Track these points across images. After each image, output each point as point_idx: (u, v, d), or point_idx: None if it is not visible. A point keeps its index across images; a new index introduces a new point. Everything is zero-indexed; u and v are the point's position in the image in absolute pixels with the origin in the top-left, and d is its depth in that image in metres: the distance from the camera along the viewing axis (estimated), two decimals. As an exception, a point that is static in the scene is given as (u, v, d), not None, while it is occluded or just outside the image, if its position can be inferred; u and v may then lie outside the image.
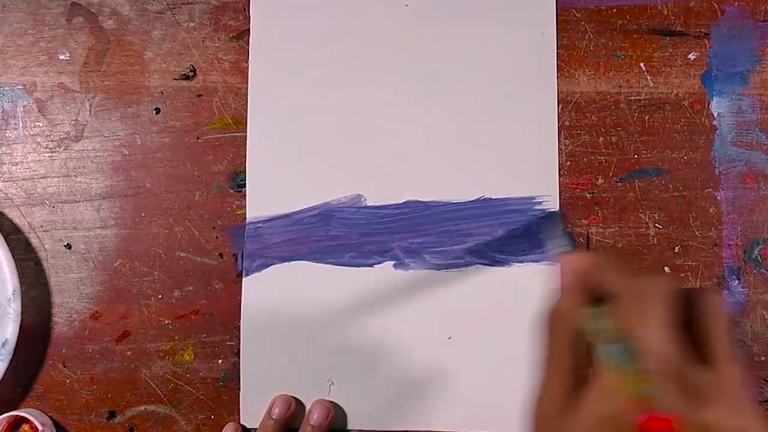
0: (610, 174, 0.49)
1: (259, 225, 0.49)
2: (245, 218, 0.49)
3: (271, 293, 0.48)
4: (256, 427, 0.47)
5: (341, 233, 0.49)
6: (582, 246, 0.48)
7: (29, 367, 0.48)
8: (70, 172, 0.50)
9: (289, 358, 0.48)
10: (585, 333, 0.30)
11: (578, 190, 0.49)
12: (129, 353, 0.48)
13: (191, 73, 0.50)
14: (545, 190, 0.48)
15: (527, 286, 0.48)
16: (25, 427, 0.47)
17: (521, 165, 0.49)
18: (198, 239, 0.49)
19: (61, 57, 0.50)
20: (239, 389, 0.48)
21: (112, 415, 0.48)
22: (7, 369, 0.46)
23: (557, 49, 0.49)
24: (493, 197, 0.48)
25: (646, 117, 0.49)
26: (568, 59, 0.49)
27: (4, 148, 0.50)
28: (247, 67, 0.50)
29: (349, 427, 0.48)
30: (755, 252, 0.48)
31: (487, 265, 0.48)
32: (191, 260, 0.49)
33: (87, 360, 0.48)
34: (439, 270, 0.48)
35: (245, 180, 0.49)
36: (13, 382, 0.48)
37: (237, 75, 0.50)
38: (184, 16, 0.50)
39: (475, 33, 0.50)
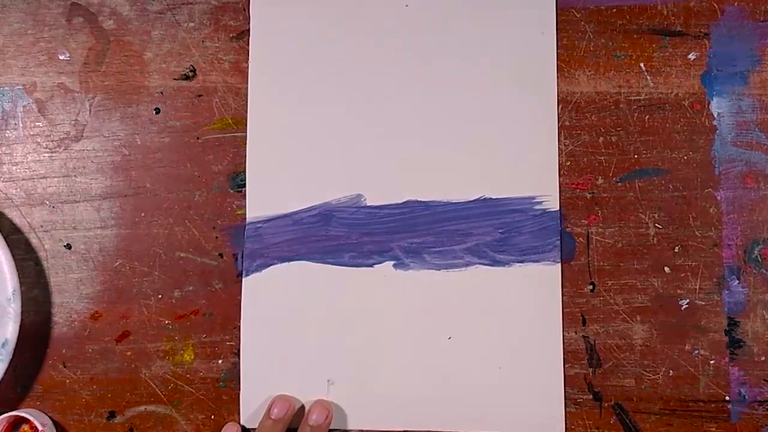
0: (610, 174, 0.49)
1: (259, 225, 0.49)
2: (245, 218, 0.49)
3: (271, 293, 0.48)
4: (256, 427, 0.47)
5: (341, 233, 0.49)
6: (582, 246, 0.48)
7: (29, 367, 0.48)
8: (70, 172, 0.50)
9: (289, 358, 0.48)
10: None
11: (578, 190, 0.49)
12: (129, 353, 0.48)
13: (191, 73, 0.50)
14: (545, 190, 0.48)
15: (527, 286, 0.48)
16: (25, 427, 0.47)
17: (521, 165, 0.49)
18: (198, 239, 0.49)
19: (61, 57, 0.50)
20: (239, 389, 0.48)
21: (112, 415, 0.48)
22: (7, 369, 0.46)
23: (557, 49, 0.49)
24: (493, 197, 0.48)
25: (646, 117, 0.49)
26: (568, 59, 0.49)
27: (4, 148, 0.50)
28: (247, 67, 0.50)
29: (349, 427, 0.48)
30: (755, 252, 0.48)
31: (487, 265, 0.48)
32: (191, 260, 0.49)
33: (87, 360, 0.48)
34: (439, 270, 0.48)
35: (245, 180, 0.49)
36: (13, 382, 0.48)
37: (237, 75, 0.50)
38: (184, 16, 0.50)
39: (475, 33, 0.50)
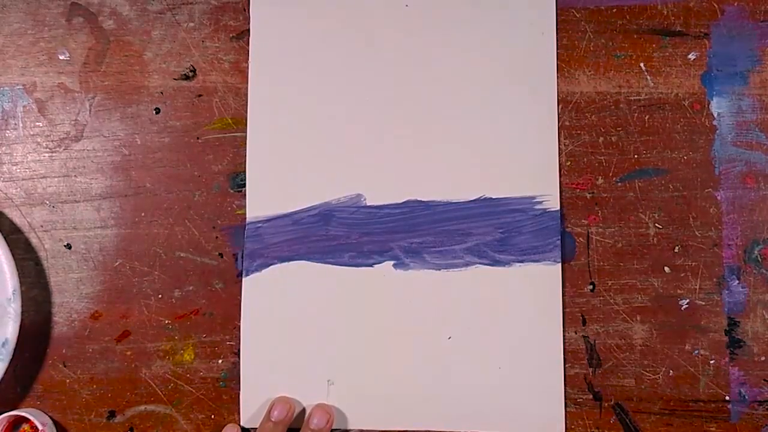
0: (610, 174, 0.49)
1: (259, 225, 0.49)
2: (245, 218, 0.49)
3: (271, 293, 0.48)
4: (256, 427, 0.47)
5: (341, 233, 0.49)
6: (582, 246, 0.48)
7: (29, 367, 0.48)
8: (70, 172, 0.50)
9: (289, 358, 0.48)
10: None
11: (578, 190, 0.49)
12: (129, 353, 0.48)
13: (191, 73, 0.50)
14: (545, 190, 0.48)
15: (527, 286, 0.48)
16: (25, 426, 0.47)
17: (521, 165, 0.49)
18: (198, 239, 0.49)
19: (61, 57, 0.50)
20: (239, 389, 0.48)
21: (112, 414, 0.48)
22: (7, 369, 0.46)
23: (557, 49, 0.49)
24: (493, 197, 0.48)
25: (646, 117, 0.49)
26: (568, 59, 0.49)
27: (4, 148, 0.50)
28: (247, 67, 0.50)
29: (349, 427, 0.48)
30: (755, 252, 0.48)
31: (487, 265, 0.48)
32: (191, 260, 0.49)
33: (87, 360, 0.48)
34: (439, 270, 0.48)
35: (245, 180, 0.49)
36: (13, 382, 0.48)
37: (237, 75, 0.50)
38: (184, 16, 0.50)
39: (475, 33, 0.50)
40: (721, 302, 0.48)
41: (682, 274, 0.48)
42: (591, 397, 0.47)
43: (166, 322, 0.49)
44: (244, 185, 0.49)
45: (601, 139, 0.49)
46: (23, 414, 0.46)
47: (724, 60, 0.49)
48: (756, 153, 0.49)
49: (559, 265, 0.48)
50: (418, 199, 0.49)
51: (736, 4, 0.49)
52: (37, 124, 0.50)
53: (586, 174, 0.49)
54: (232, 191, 0.49)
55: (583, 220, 0.49)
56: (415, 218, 0.49)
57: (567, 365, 0.48)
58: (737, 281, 0.48)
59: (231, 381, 0.48)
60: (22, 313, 0.46)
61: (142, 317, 0.49)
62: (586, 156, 0.49)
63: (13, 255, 0.47)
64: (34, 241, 0.49)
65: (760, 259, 0.48)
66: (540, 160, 0.49)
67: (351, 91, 0.49)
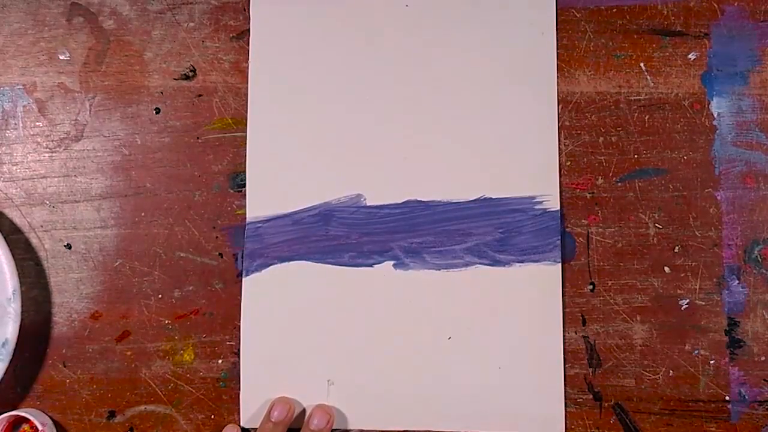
0: (610, 174, 0.49)
1: (259, 225, 0.49)
2: (245, 218, 0.49)
3: (271, 293, 0.48)
4: (256, 427, 0.47)
5: (341, 233, 0.49)
6: (582, 246, 0.48)
7: (29, 367, 0.48)
8: (70, 172, 0.50)
9: (289, 358, 0.48)
10: None
11: (578, 190, 0.49)
12: (129, 353, 0.48)
13: (191, 73, 0.50)
14: (545, 190, 0.48)
15: (527, 286, 0.48)
16: (25, 426, 0.47)
17: (521, 165, 0.49)
18: (198, 239, 0.49)
19: (61, 57, 0.50)
20: (239, 389, 0.48)
21: (112, 415, 0.48)
22: (7, 369, 0.46)
23: (557, 49, 0.49)
24: (493, 197, 0.48)
25: (646, 117, 0.49)
26: (568, 59, 0.49)
27: (4, 148, 0.50)
28: (247, 67, 0.50)
29: (349, 427, 0.48)
30: (755, 252, 0.48)
31: (487, 265, 0.48)
32: (191, 260, 0.49)
33: (87, 360, 0.48)
34: (439, 270, 0.48)
35: (245, 180, 0.49)
36: (13, 382, 0.48)
37: (237, 75, 0.50)
38: (184, 16, 0.50)
39: (475, 33, 0.50)
40: (721, 302, 0.48)
41: (682, 274, 0.48)
42: (591, 397, 0.47)
43: (166, 322, 0.49)
44: (244, 185, 0.49)
45: (601, 139, 0.49)
46: (23, 414, 0.46)
47: (724, 60, 0.49)
48: (756, 153, 0.49)
49: (559, 265, 0.48)
50: (418, 199, 0.49)
51: (736, 4, 0.49)
52: (37, 124, 0.50)
53: (586, 174, 0.49)
54: (232, 191, 0.49)
55: (583, 220, 0.49)
56: (415, 218, 0.48)
57: (567, 365, 0.48)
58: (737, 281, 0.48)
59: (231, 381, 0.48)
60: (22, 313, 0.46)
61: (142, 317, 0.49)
62: (586, 156, 0.49)
63: (13, 255, 0.47)
64: (34, 241, 0.49)
65: (760, 259, 0.48)
66: (540, 160, 0.49)
67: (351, 91, 0.49)
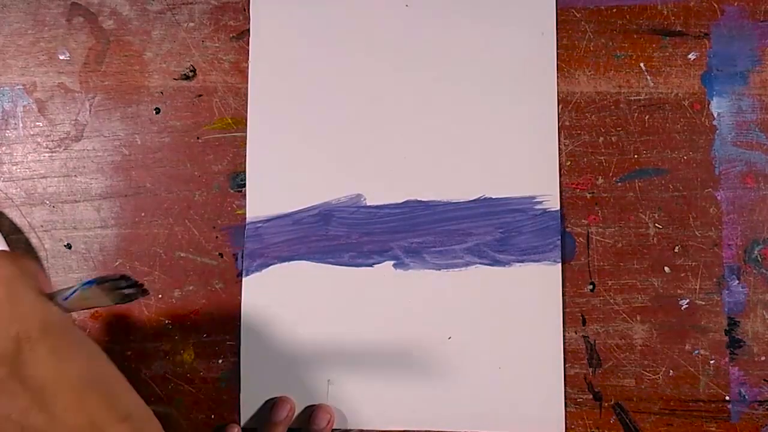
0: (610, 174, 0.49)
1: (259, 225, 0.49)
2: (245, 218, 0.49)
3: (271, 293, 0.48)
4: (256, 427, 0.47)
5: (341, 233, 0.49)
6: (582, 246, 0.48)
7: (29, 367, 0.48)
8: (70, 172, 0.50)
9: (288, 358, 0.48)
10: None
11: (578, 190, 0.49)
12: (129, 353, 0.48)
13: (191, 73, 0.50)
14: (545, 190, 0.48)
15: (527, 286, 0.48)
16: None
17: (521, 165, 0.49)
18: (198, 239, 0.49)
19: (61, 57, 0.50)
20: (239, 389, 0.48)
21: (112, 415, 0.48)
22: (7, 369, 0.46)
23: (557, 49, 0.49)
24: (493, 197, 0.48)
25: (646, 117, 0.49)
26: (568, 59, 0.49)
27: (4, 148, 0.50)
28: (247, 67, 0.50)
29: (349, 427, 0.48)
30: (755, 252, 0.48)
31: (487, 265, 0.48)
32: (191, 260, 0.49)
33: (87, 360, 0.48)
34: (439, 270, 0.48)
35: (245, 180, 0.49)
36: (13, 382, 0.48)
37: (237, 75, 0.50)
38: (184, 16, 0.50)
39: (475, 33, 0.50)
40: (721, 302, 0.48)
41: (682, 274, 0.48)
42: (591, 397, 0.47)
43: (166, 322, 0.49)
44: (244, 185, 0.49)
45: (601, 139, 0.49)
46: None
47: (724, 60, 0.49)
48: (756, 153, 0.49)
49: (559, 265, 0.48)
50: (418, 199, 0.49)
51: (736, 4, 0.49)
52: (37, 124, 0.50)
53: (586, 174, 0.49)
54: (232, 191, 0.49)
55: (583, 220, 0.49)
56: (415, 218, 0.48)
57: (567, 365, 0.48)
58: (737, 281, 0.48)
59: (231, 381, 0.48)
60: (22, 313, 0.46)
61: (142, 317, 0.49)
62: (586, 156, 0.49)
63: (13, 255, 0.47)
64: (34, 241, 0.49)
65: (760, 259, 0.48)
66: (540, 160, 0.49)
67: (351, 91, 0.49)
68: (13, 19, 0.50)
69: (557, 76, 0.49)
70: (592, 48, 0.49)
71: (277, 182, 0.49)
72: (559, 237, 0.48)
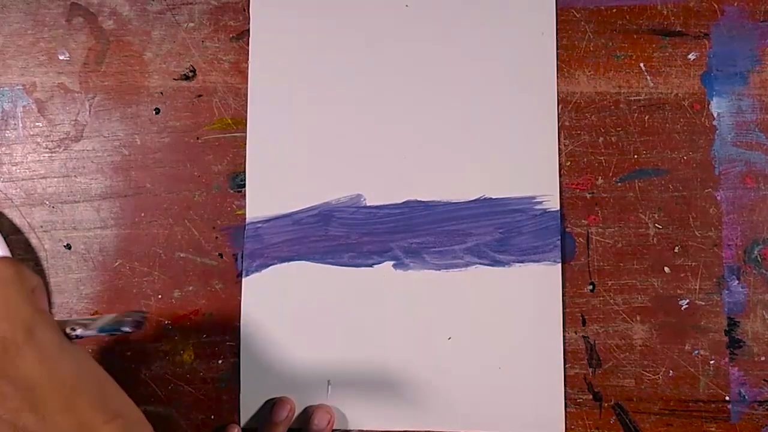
0: (610, 174, 0.49)
1: (259, 225, 0.49)
2: (245, 218, 0.49)
3: (270, 293, 0.48)
4: (256, 427, 0.47)
5: (341, 233, 0.49)
6: (582, 246, 0.48)
7: (29, 368, 0.48)
8: (70, 172, 0.50)
9: (289, 358, 0.48)
10: None
11: (578, 190, 0.49)
12: (129, 353, 0.48)
13: (191, 74, 0.50)
14: (545, 190, 0.48)
15: (527, 286, 0.48)
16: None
17: (521, 165, 0.49)
18: (198, 239, 0.49)
19: (61, 57, 0.50)
20: (239, 389, 0.48)
21: (112, 415, 0.48)
22: (7, 369, 0.46)
23: (557, 49, 0.49)
24: (493, 197, 0.48)
25: (646, 117, 0.49)
26: (568, 59, 0.49)
27: (4, 148, 0.50)
28: (247, 67, 0.50)
29: (349, 427, 0.48)
30: (755, 252, 0.48)
31: (487, 265, 0.48)
32: (191, 260, 0.49)
33: (87, 360, 0.48)
34: (439, 270, 0.48)
35: (245, 180, 0.49)
36: (13, 383, 0.48)
37: (237, 75, 0.50)
38: (184, 16, 0.50)
39: (475, 33, 0.50)
40: (721, 302, 0.48)
41: (682, 274, 0.48)
42: (591, 397, 0.47)
43: (166, 322, 0.49)
44: (244, 185, 0.49)
45: (601, 139, 0.49)
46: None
47: (724, 60, 0.49)
48: (756, 153, 0.49)
49: (559, 265, 0.48)
50: (418, 199, 0.49)
51: (736, 4, 0.49)
52: (37, 124, 0.50)
53: (586, 174, 0.49)
54: (232, 191, 0.49)
55: (583, 220, 0.49)
56: (415, 218, 0.49)
57: (567, 365, 0.48)
58: (737, 281, 0.48)
59: (231, 381, 0.48)
60: (22, 313, 0.46)
61: (142, 317, 0.49)
62: (586, 156, 0.49)
63: (13, 255, 0.47)
64: (34, 241, 0.49)
65: (760, 259, 0.48)
66: (540, 160, 0.49)
67: (351, 91, 0.49)
68: (13, 19, 0.50)
69: (557, 76, 0.49)
70: (592, 48, 0.50)
71: (277, 182, 0.49)
72: (559, 237, 0.48)
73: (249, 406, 0.48)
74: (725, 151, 0.49)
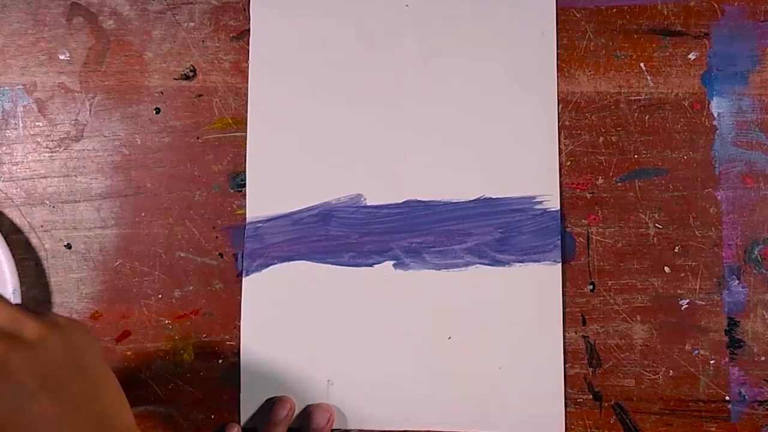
0: (610, 174, 0.49)
1: (259, 225, 0.49)
2: (245, 218, 0.49)
3: (271, 293, 0.48)
4: (256, 427, 0.47)
5: (341, 233, 0.49)
6: (582, 246, 0.48)
7: (29, 367, 0.48)
8: (70, 172, 0.50)
9: (288, 358, 0.48)
10: None
11: (578, 190, 0.49)
12: (129, 353, 0.48)
13: (191, 73, 0.50)
14: (545, 190, 0.48)
15: (527, 286, 0.48)
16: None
17: (521, 165, 0.49)
18: (198, 239, 0.49)
19: (61, 57, 0.50)
20: (239, 389, 0.48)
21: (112, 415, 0.48)
22: (7, 369, 0.46)
23: (557, 49, 0.49)
24: (493, 197, 0.48)
25: (646, 117, 0.49)
26: (568, 59, 0.49)
27: (4, 148, 0.50)
28: (247, 67, 0.50)
29: (349, 427, 0.48)
30: (755, 252, 0.48)
31: (487, 265, 0.48)
32: (191, 260, 0.49)
33: (87, 360, 0.48)
34: (439, 270, 0.48)
35: (245, 180, 0.49)
36: (13, 382, 0.48)
37: (237, 75, 0.50)
38: (184, 16, 0.50)
39: (475, 33, 0.50)
40: (721, 302, 0.48)
41: (682, 274, 0.48)
42: (591, 397, 0.47)
43: (166, 322, 0.49)
44: (244, 185, 0.49)
45: (601, 139, 0.49)
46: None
47: (724, 60, 0.49)
48: (756, 153, 0.49)
49: (559, 265, 0.48)
50: (418, 199, 0.49)
51: (736, 4, 0.49)
52: (37, 124, 0.50)
53: (586, 174, 0.49)
54: (232, 191, 0.49)
55: (583, 220, 0.49)
56: (415, 218, 0.49)
57: (567, 365, 0.48)
58: (737, 281, 0.48)
59: (231, 381, 0.48)
60: (22, 313, 0.46)
61: (142, 317, 0.49)
62: (586, 156, 0.49)
63: (13, 255, 0.47)
64: (34, 241, 0.49)
65: (760, 259, 0.48)
66: (540, 160, 0.49)
67: (351, 91, 0.49)
68: (13, 19, 0.50)
69: (557, 76, 0.49)
70: (592, 48, 0.50)
71: (277, 182, 0.49)
72: (559, 237, 0.48)
73: (249, 406, 0.48)
74: (725, 151, 0.49)
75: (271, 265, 0.48)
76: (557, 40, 0.49)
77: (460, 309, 0.48)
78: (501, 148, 0.49)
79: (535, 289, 0.48)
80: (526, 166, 0.49)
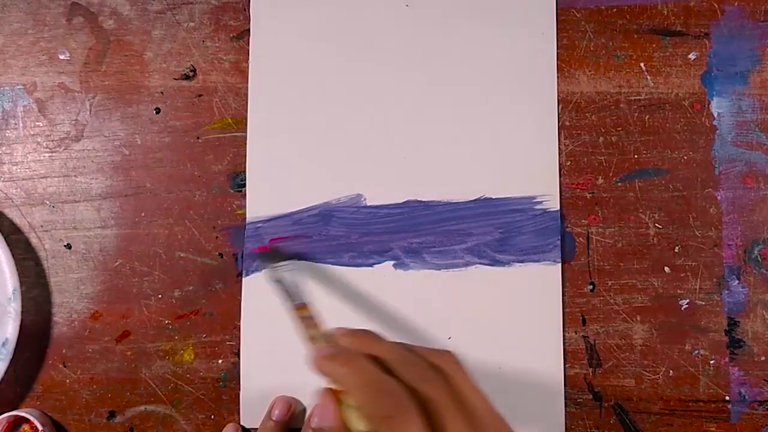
0: (610, 174, 0.49)
1: (259, 225, 0.49)
2: (245, 218, 0.49)
3: (271, 293, 0.48)
4: (256, 427, 0.47)
5: (341, 233, 0.49)
6: (582, 246, 0.48)
7: (29, 367, 0.48)
8: (70, 172, 0.50)
9: (289, 358, 0.48)
10: None
11: (578, 190, 0.49)
12: (129, 353, 0.48)
13: (191, 73, 0.50)
14: (545, 190, 0.48)
15: (527, 286, 0.48)
16: (25, 427, 0.47)
17: (521, 165, 0.49)
18: (198, 239, 0.49)
19: (61, 57, 0.50)
20: (239, 389, 0.48)
21: (112, 415, 0.48)
22: (7, 369, 0.46)
23: (557, 49, 0.49)
24: (493, 197, 0.48)
25: (646, 117, 0.49)
26: (568, 59, 0.49)
27: (4, 148, 0.50)
28: (247, 67, 0.50)
29: (349, 427, 0.48)
30: (755, 252, 0.48)
31: (487, 265, 0.48)
32: (191, 260, 0.49)
33: (87, 360, 0.48)
34: (439, 270, 0.48)
35: (245, 180, 0.49)
36: (13, 382, 0.48)
37: (237, 75, 0.50)
38: (184, 16, 0.50)
39: (475, 33, 0.50)
40: (721, 302, 0.48)
41: (682, 274, 0.48)
42: (591, 397, 0.47)
43: (166, 322, 0.49)
44: (244, 185, 0.49)
45: (601, 139, 0.49)
46: (23, 414, 0.46)
47: (724, 60, 0.49)
48: (756, 153, 0.49)
49: (559, 265, 0.48)
50: (418, 199, 0.49)
51: (736, 4, 0.49)
52: (38, 124, 0.50)
53: (586, 174, 0.49)
54: (232, 191, 0.49)
55: (583, 220, 0.49)
56: (415, 218, 0.48)
57: (567, 365, 0.48)
58: (737, 281, 0.48)
59: (231, 381, 0.48)
60: (22, 312, 0.46)
61: (142, 317, 0.49)
62: (586, 156, 0.49)
63: (13, 255, 0.47)
64: (34, 241, 0.49)
65: (760, 259, 0.48)
66: (540, 160, 0.49)
67: (351, 91, 0.49)
68: (14, 19, 0.50)
69: (557, 76, 0.49)
70: (592, 48, 0.50)
71: (277, 182, 0.49)
72: (559, 237, 0.48)
73: (249, 406, 0.48)
74: (725, 151, 0.49)
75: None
76: (557, 40, 0.49)
77: (460, 309, 0.48)
78: (501, 148, 0.49)
79: (535, 289, 0.48)
80: (526, 166, 0.49)
